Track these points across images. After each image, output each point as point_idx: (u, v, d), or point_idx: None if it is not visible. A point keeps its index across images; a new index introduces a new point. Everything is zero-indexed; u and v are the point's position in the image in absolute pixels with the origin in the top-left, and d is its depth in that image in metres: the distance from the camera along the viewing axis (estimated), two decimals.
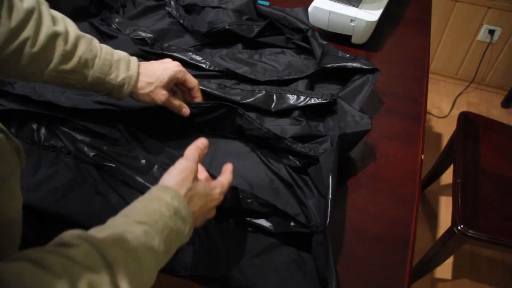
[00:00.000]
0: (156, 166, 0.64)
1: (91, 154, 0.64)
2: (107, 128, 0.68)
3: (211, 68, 0.78)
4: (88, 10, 0.91)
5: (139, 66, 0.60)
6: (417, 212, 0.61)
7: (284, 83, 0.76)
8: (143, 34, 0.83)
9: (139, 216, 0.40)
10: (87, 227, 0.57)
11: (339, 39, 0.89)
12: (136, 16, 0.93)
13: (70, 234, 0.36)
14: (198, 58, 0.79)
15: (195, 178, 0.47)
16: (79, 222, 0.58)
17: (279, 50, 0.85)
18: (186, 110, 0.64)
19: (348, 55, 0.78)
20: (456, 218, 1.02)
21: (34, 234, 0.58)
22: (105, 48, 0.58)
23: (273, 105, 0.71)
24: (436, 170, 1.44)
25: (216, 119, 0.67)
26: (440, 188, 1.65)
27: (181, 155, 0.49)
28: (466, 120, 1.27)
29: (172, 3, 0.93)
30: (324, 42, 0.79)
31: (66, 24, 0.54)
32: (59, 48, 0.52)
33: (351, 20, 0.84)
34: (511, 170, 1.14)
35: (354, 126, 0.62)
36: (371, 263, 0.55)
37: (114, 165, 0.63)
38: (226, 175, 0.52)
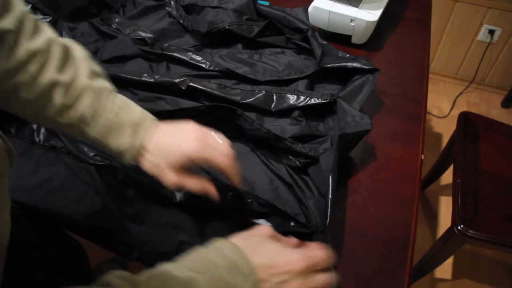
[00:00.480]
0: None
1: (91, 154, 0.64)
2: None
3: (211, 68, 0.78)
4: (88, 10, 0.91)
5: (150, 135, 0.47)
6: (417, 212, 0.61)
7: (284, 83, 0.76)
8: (143, 34, 0.83)
9: (190, 263, 0.38)
10: (87, 227, 0.58)
11: (339, 39, 0.89)
12: (136, 16, 0.94)
13: (115, 275, 0.35)
14: (198, 58, 0.79)
15: (268, 237, 0.43)
16: (79, 222, 0.58)
17: (279, 50, 0.85)
18: (212, 193, 0.50)
19: (348, 55, 0.78)
20: (456, 218, 1.02)
21: (34, 234, 0.58)
22: (115, 107, 0.46)
23: (273, 105, 0.71)
24: (436, 170, 1.44)
25: (215, 119, 0.67)
26: (440, 188, 1.65)
27: None
28: (466, 120, 1.27)
29: (172, 3, 0.93)
30: (324, 42, 0.79)
31: (76, 71, 0.46)
32: (57, 99, 0.44)
33: (351, 20, 0.84)
34: (511, 170, 1.14)
35: (354, 126, 0.62)
36: (371, 263, 0.55)
37: (114, 165, 0.63)
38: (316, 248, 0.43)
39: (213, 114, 0.66)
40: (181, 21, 0.90)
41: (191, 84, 0.71)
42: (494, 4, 1.72)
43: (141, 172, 0.62)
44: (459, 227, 1.00)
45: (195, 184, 0.48)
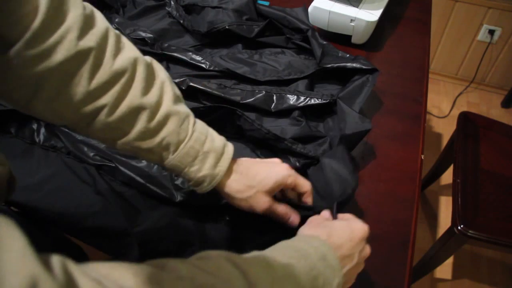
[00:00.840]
0: (156, 166, 0.64)
1: (91, 154, 0.64)
2: None
3: (211, 68, 0.78)
4: None
5: (233, 163, 0.49)
6: (417, 212, 0.61)
7: (284, 83, 0.76)
8: (143, 34, 0.83)
9: (284, 251, 0.37)
10: (87, 227, 0.58)
11: (339, 39, 0.89)
12: (136, 16, 0.94)
13: (208, 251, 0.35)
14: (198, 58, 0.79)
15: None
16: (79, 222, 0.58)
17: (279, 50, 0.85)
18: (295, 219, 0.51)
19: (348, 55, 0.78)
20: (456, 218, 1.02)
21: (34, 235, 0.58)
22: (198, 133, 0.46)
23: (273, 105, 0.71)
24: (436, 170, 1.44)
25: (215, 120, 0.67)
26: (440, 188, 1.65)
27: None
28: (466, 120, 1.27)
29: (172, 3, 0.93)
30: (324, 42, 0.79)
31: (162, 94, 0.43)
32: (140, 124, 0.42)
33: (351, 20, 0.84)
34: (511, 170, 1.14)
35: (354, 127, 0.63)
36: (371, 263, 0.55)
37: (114, 165, 0.63)
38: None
39: (213, 114, 0.66)
40: (181, 21, 0.90)
41: (191, 84, 0.71)
42: (494, 4, 1.72)
43: (141, 172, 0.62)
44: (459, 227, 1.00)
45: (283, 209, 0.50)
